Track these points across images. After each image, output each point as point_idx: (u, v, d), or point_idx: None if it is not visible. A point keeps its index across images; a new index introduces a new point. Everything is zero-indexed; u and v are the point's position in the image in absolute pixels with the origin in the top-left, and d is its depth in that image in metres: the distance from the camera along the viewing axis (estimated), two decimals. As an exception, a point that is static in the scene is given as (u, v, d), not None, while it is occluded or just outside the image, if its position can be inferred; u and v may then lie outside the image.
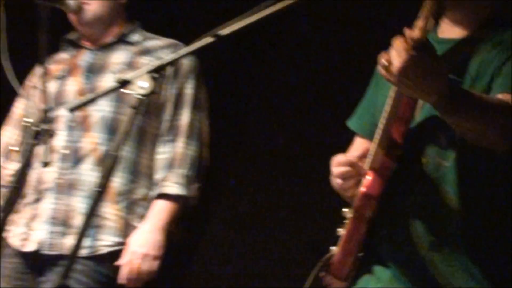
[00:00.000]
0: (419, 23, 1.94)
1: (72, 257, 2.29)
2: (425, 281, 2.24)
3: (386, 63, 1.89)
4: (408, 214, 2.23)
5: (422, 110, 2.24)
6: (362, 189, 2.18)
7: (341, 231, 2.29)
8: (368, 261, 2.32)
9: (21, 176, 2.82)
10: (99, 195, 2.18)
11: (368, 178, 2.20)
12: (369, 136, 2.47)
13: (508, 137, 2.07)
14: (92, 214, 2.26)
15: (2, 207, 2.81)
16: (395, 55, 1.85)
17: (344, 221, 2.30)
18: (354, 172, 2.28)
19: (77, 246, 2.21)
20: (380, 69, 1.94)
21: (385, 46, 1.90)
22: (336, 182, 2.29)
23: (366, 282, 2.30)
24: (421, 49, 1.86)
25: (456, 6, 2.33)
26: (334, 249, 2.33)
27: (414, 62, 1.84)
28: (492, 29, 2.33)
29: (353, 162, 2.31)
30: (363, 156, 2.43)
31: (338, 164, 2.27)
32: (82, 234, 2.23)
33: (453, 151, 2.17)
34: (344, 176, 2.27)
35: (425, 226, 2.22)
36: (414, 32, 1.89)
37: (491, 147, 2.10)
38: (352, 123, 2.58)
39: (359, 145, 2.55)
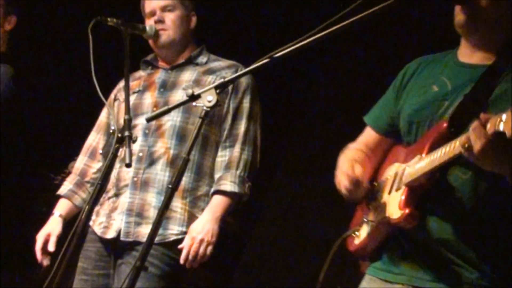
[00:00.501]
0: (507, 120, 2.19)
1: (150, 243, 2.62)
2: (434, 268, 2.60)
3: (466, 145, 2.20)
4: (428, 212, 2.52)
5: None
6: (406, 211, 2.49)
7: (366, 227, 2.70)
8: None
9: (105, 175, 3.10)
10: (171, 192, 2.57)
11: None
12: (382, 133, 2.85)
13: None
14: (166, 207, 2.62)
15: (88, 201, 3.20)
16: (475, 139, 2.16)
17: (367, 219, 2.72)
18: (358, 189, 2.68)
19: (154, 234, 2.60)
20: (461, 149, 2.25)
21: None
22: (343, 191, 2.68)
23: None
24: (497, 136, 2.15)
25: (474, 32, 2.59)
26: (352, 231, 2.74)
27: (491, 146, 2.13)
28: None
29: (359, 181, 2.67)
30: (371, 149, 2.88)
31: (348, 180, 2.63)
32: (158, 224, 2.59)
33: (470, 170, 2.48)
34: (350, 191, 2.65)
35: (439, 224, 2.54)
36: (498, 125, 2.17)
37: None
38: (368, 119, 2.92)
39: (369, 138, 2.91)
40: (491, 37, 2.64)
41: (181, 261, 3.32)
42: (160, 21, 3.59)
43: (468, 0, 2.59)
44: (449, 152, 2.41)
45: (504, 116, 2.12)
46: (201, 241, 3.35)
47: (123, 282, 2.98)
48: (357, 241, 2.77)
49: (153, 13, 3.63)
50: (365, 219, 2.76)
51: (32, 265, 4.15)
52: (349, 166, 2.75)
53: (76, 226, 3.04)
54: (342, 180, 2.73)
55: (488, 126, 2.17)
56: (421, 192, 2.56)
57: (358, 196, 2.79)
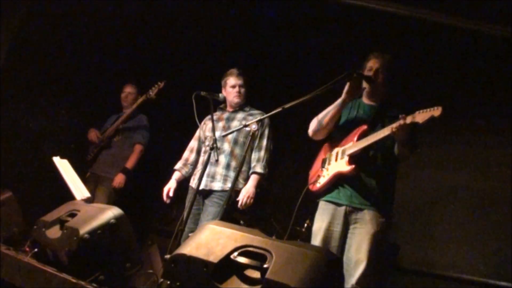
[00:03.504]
0: (417, 116, 4.05)
1: (230, 192, 4.81)
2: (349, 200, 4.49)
3: (393, 130, 4.10)
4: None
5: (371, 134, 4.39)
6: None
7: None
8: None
9: (203, 173, 5.28)
10: (238, 171, 5.05)
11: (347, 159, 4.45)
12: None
13: (406, 158, 4.60)
14: (236, 178, 4.98)
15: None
16: (401, 126, 4.09)
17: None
18: None
19: (231, 188, 4.92)
20: (390, 132, 4.16)
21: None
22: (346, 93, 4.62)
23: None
24: (412, 124, 4.02)
25: (373, 92, 4.66)
26: (315, 180, 4.69)
27: (407, 129, 4.08)
28: (389, 101, 4.55)
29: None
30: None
31: None
32: (233, 184, 4.90)
33: (380, 152, 4.46)
34: None
35: (365, 175, 4.48)
36: (407, 119, 4.05)
37: (401, 157, 4.51)
38: None
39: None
40: (379, 93, 4.72)
41: (239, 205, 5.47)
42: (239, 92, 5.90)
43: (373, 80, 4.61)
44: (380, 134, 4.30)
45: (415, 114, 4.05)
46: (247, 194, 5.52)
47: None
48: (318, 185, 4.67)
49: (234, 87, 5.91)
50: (321, 175, 4.67)
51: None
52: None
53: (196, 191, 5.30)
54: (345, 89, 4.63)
55: (408, 119, 4.08)
56: (354, 159, 4.48)
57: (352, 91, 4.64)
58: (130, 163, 7.30)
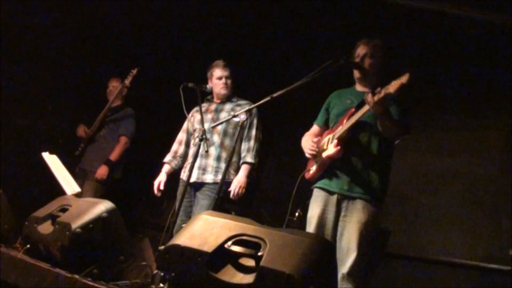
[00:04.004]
0: (392, 86, 4.07)
1: (220, 184, 4.90)
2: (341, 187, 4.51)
3: (371, 104, 4.15)
4: (350, 154, 4.49)
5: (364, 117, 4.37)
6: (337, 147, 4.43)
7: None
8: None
9: (193, 165, 5.30)
10: (228, 162, 5.11)
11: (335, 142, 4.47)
12: (321, 125, 4.94)
13: (393, 136, 4.48)
14: (226, 169, 5.12)
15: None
16: (376, 98, 4.11)
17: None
18: (317, 150, 4.64)
19: (222, 179, 4.96)
20: (368, 107, 4.17)
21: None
22: (307, 152, 4.70)
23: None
24: (385, 96, 4.09)
25: (363, 78, 4.70)
26: (308, 169, 4.73)
27: (381, 101, 4.11)
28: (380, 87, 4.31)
29: (317, 146, 4.66)
30: (315, 134, 4.89)
31: (310, 146, 4.65)
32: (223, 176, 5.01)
33: (367, 134, 4.45)
34: (312, 152, 4.66)
35: (355, 159, 4.49)
36: (384, 91, 4.08)
37: (389, 138, 4.47)
38: (316, 121, 4.94)
39: (315, 130, 4.96)
40: (371, 80, 4.71)
41: (231, 195, 5.54)
42: (226, 84, 5.96)
43: (360, 66, 4.66)
44: (361, 111, 4.35)
45: (388, 86, 4.10)
46: (239, 184, 5.59)
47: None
48: (311, 172, 4.73)
49: (220, 78, 5.97)
50: (315, 162, 4.71)
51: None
52: (309, 139, 4.81)
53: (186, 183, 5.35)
54: (306, 146, 4.76)
55: (382, 92, 4.15)
56: (343, 142, 4.51)
57: (314, 152, 4.71)
58: (113, 155, 7.31)
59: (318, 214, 4.58)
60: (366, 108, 4.31)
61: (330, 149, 4.55)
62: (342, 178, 4.54)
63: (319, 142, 4.83)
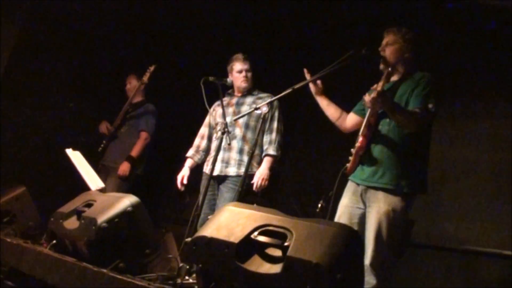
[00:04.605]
0: (380, 85, 4.16)
1: (244, 177, 5.02)
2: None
3: (368, 105, 4.26)
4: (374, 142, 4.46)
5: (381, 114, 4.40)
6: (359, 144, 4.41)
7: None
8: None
9: (216, 158, 5.35)
10: (251, 155, 5.18)
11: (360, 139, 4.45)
12: (358, 114, 4.88)
13: (412, 127, 4.32)
14: (249, 161, 5.16)
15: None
16: (373, 95, 4.11)
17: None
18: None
19: (245, 172, 5.10)
20: (365, 100, 4.24)
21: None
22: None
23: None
24: (381, 93, 4.10)
25: (385, 69, 4.53)
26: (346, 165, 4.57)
27: (379, 99, 4.11)
28: (409, 76, 4.46)
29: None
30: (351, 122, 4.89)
31: None
32: (246, 170, 5.09)
33: (387, 124, 4.40)
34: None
35: (378, 150, 4.46)
36: (379, 88, 4.12)
37: (405, 129, 4.35)
38: (353, 110, 4.91)
39: (350, 116, 4.93)
40: (396, 69, 4.62)
41: (254, 188, 5.55)
42: (246, 77, 5.97)
43: (381, 56, 4.58)
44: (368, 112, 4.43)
45: (379, 84, 4.19)
46: (261, 177, 5.60)
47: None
48: (348, 166, 4.61)
49: (240, 71, 5.98)
50: (350, 157, 4.62)
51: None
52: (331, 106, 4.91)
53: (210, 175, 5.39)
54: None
55: (374, 91, 4.17)
56: (366, 137, 4.51)
57: (332, 115, 4.95)
58: (134, 151, 7.34)
59: (344, 204, 4.61)
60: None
61: (356, 144, 4.56)
62: (366, 170, 4.52)
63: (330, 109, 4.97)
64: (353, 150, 4.58)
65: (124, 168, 7.25)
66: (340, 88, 4.97)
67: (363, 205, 4.49)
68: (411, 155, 4.44)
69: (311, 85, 4.76)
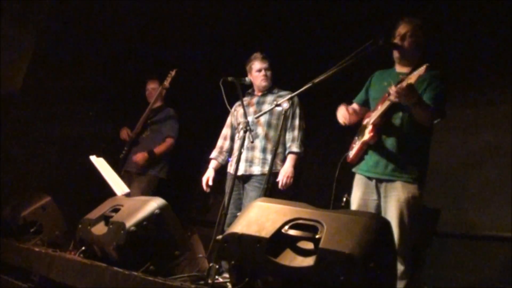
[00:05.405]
0: (412, 78, 4.08)
1: (268, 175, 4.82)
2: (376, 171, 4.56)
3: (396, 90, 4.11)
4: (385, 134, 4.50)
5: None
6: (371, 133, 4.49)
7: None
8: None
9: (239, 158, 5.30)
10: (274, 153, 5.00)
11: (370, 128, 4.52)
12: (360, 104, 4.96)
13: (427, 122, 4.42)
14: (273, 159, 5.01)
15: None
16: (398, 90, 4.11)
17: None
18: (353, 115, 4.76)
19: (269, 170, 4.87)
20: (391, 99, 4.21)
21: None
22: (341, 120, 4.76)
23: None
24: (408, 87, 4.07)
25: (402, 59, 4.65)
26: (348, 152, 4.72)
27: (405, 92, 4.07)
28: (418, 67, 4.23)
29: (355, 109, 4.82)
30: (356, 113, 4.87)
31: (346, 110, 4.71)
32: (270, 167, 4.89)
33: (400, 116, 4.44)
34: (345, 118, 4.70)
35: (389, 142, 4.49)
36: (406, 81, 4.08)
37: (420, 123, 4.39)
38: (355, 100, 4.97)
39: (354, 107, 4.96)
40: (411, 60, 4.64)
41: (279, 186, 5.57)
42: (265, 75, 6.00)
43: (398, 46, 4.59)
44: (386, 103, 4.45)
45: (411, 76, 4.11)
46: (286, 175, 5.63)
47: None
48: (351, 156, 4.75)
49: (260, 70, 6.00)
50: (354, 145, 4.74)
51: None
52: (344, 109, 4.79)
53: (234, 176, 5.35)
54: (341, 113, 4.79)
55: (404, 82, 4.15)
56: (378, 127, 4.54)
57: (352, 121, 4.80)
58: (158, 149, 7.31)
59: (359, 197, 4.64)
60: (392, 97, 4.34)
61: (366, 134, 4.59)
62: (379, 163, 4.56)
63: (353, 117, 4.91)
64: (357, 139, 4.70)
65: (141, 157, 7.27)
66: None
67: (377, 196, 4.55)
68: (421, 147, 4.54)
69: (345, 111, 4.82)
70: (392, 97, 4.28)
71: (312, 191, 6.88)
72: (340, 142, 5.16)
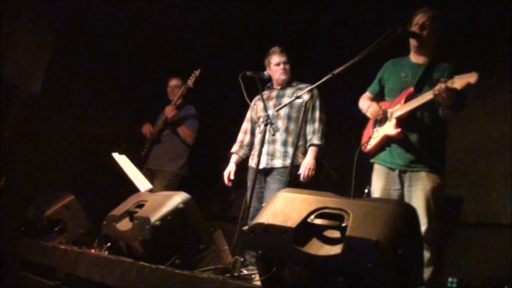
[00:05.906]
0: (457, 82, 4.03)
1: (290, 167, 4.82)
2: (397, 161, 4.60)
3: (436, 93, 4.13)
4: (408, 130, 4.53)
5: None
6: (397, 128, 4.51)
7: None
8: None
9: (261, 151, 5.08)
10: (295, 146, 4.85)
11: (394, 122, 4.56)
12: (373, 94, 5.03)
13: (453, 118, 4.63)
14: (295, 151, 4.83)
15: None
16: (442, 89, 4.08)
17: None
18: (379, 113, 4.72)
19: (291, 163, 4.85)
20: (432, 96, 4.17)
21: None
22: (372, 116, 4.77)
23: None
24: (451, 88, 4.05)
25: (420, 48, 4.64)
26: (367, 142, 4.75)
27: (447, 92, 4.08)
28: (439, 58, 4.51)
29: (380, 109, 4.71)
30: (370, 99, 4.98)
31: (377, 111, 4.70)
32: (292, 160, 4.82)
33: (427, 112, 4.49)
34: (374, 114, 4.74)
35: (412, 136, 4.53)
36: (451, 84, 4.04)
37: (445, 118, 4.48)
38: (369, 89, 5.04)
39: (368, 96, 5.06)
40: (427, 50, 4.65)
41: (301, 178, 5.58)
42: (284, 69, 6.01)
43: (418, 35, 4.58)
44: (424, 97, 4.38)
45: (455, 79, 4.03)
46: (307, 167, 5.63)
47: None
48: (369, 147, 4.78)
49: (278, 64, 6.02)
50: (372, 136, 4.77)
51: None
52: (375, 104, 4.82)
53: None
54: (372, 109, 4.80)
55: (448, 84, 4.09)
56: (402, 121, 4.56)
57: (377, 116, 4.78)
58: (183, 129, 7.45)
59: (381, 187, 4.66)
60: (429, 96, 4.31)
61: (390, 128, 4.60)
62: (401, 155, 4.58)
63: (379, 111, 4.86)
64: (376, 130, 4.75)
65: (171, 109, 7.40)
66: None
67: (400, 186, 4.58)
68: (440, 137, 4.64)
69: (379, 109, 4.82)
70: (435, 93, 4.25)
71: (332, 183, 6.77)
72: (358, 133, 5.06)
